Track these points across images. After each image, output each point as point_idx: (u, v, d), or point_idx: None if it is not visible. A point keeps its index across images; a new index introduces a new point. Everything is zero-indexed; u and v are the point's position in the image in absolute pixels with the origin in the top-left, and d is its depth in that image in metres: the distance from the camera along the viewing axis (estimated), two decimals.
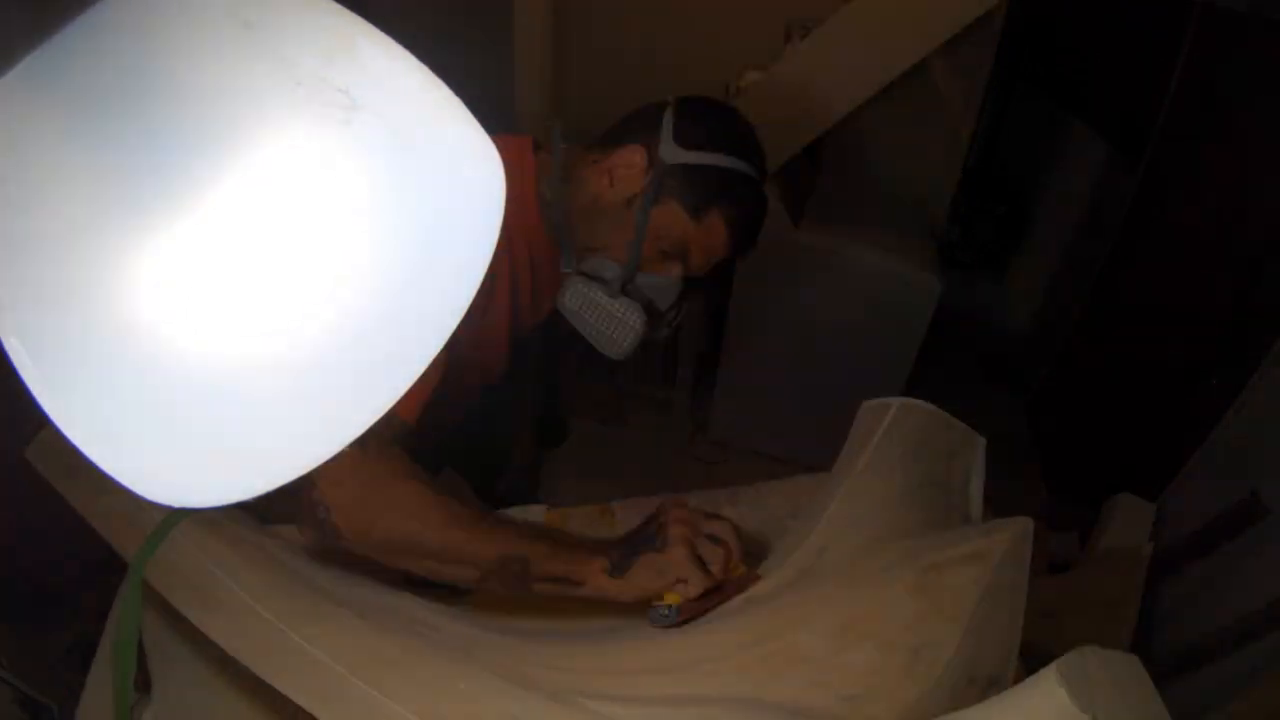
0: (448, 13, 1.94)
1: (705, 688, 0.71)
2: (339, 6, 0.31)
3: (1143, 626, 1.32)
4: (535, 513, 1.00)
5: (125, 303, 0.27)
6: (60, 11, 0.25)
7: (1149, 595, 1.36)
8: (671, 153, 0.91)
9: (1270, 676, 1.10)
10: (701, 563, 0.80)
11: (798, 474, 1.10)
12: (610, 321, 0.93)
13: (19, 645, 0.96)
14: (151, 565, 0.69)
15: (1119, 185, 2.46)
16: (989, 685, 0.67)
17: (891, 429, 0.91)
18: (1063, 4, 3.35)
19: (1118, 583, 1.38)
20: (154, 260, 0.26)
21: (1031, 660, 0.62)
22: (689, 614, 0.80)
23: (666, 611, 0.80)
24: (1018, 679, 0.53)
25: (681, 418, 2.40)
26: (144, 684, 0.83)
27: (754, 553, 0.88)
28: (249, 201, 0.27)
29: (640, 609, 0.82)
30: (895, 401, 0.92)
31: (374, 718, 0.62)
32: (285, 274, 0.28)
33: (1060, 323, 2.71)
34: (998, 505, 0.89)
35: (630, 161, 0.92)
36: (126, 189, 0.26)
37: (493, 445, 1.41)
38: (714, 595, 0.81)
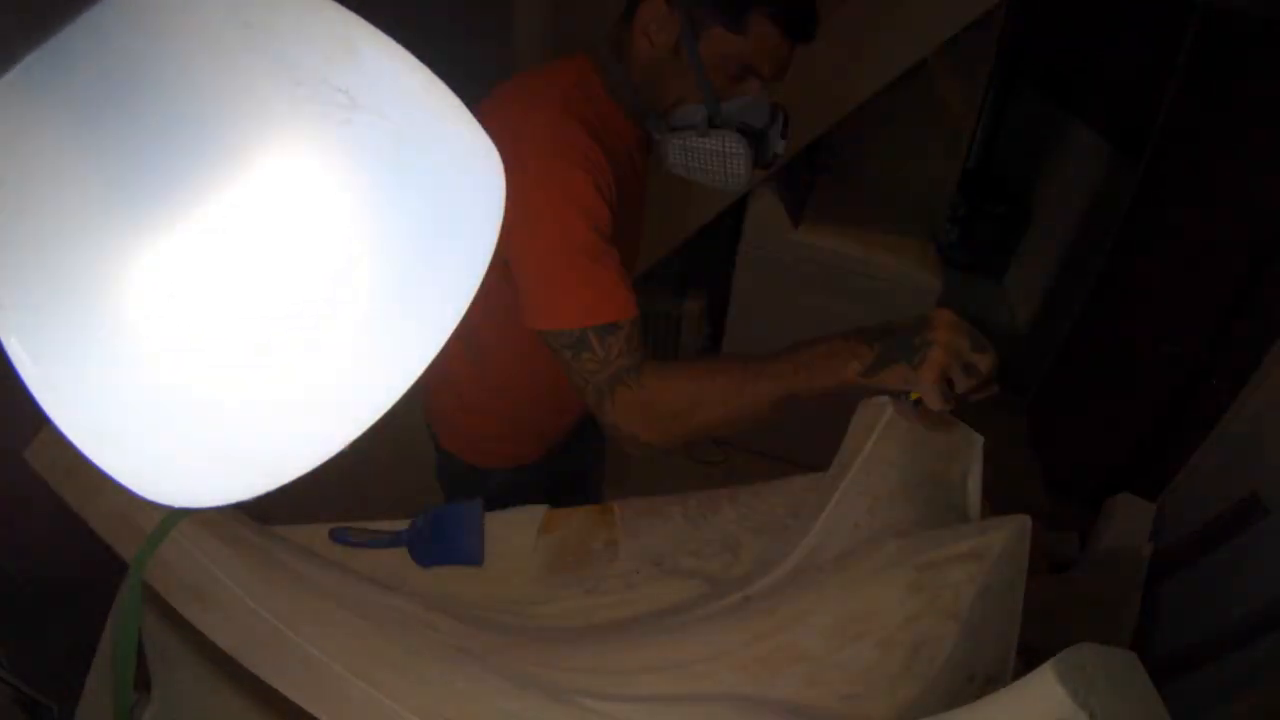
0: (448, 13, 1.94)
1: (704, 686, 0.71)
2: (339, 6, 0.31)
3: (1143, 626, 1.32)
4: (535, 513, 1.00)
5: (125, 302, 0.27)
6: (60, 11, 0.25)
7: (1149, 595, 1.36)
8: None
9: (1270, 676, 1.10)
10: (949, 385, 0.82)
11: (797, 474, 1.10)
12: (715, 158, 0.94)
13: (19, 645, 0.96)
14: (151, 565, 0.69)
15: (1119, 185, 2.46)
16: (987, 683, 0.67)
17: (889, 427, 0.91)
18: (1063, 4, 3.35)
19: (1118, 583, 1.38)
20: (154, 260, 0.26)
21: (1031, 660, 0.62)
22: (924, 418, 0.86)
23: (909, 402, 0.86)
24: (1016, 677, 0.53)
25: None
26: (144, 684, 0.83)
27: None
28: (249, 201, 0.27)
29: None
30: (893, 400, 0.92)
31: (373, 717, 0.62)
32: (285, 274, 0.28)
33: (1060, 323, 2.71)
34: (997, 505, 0.89)
35: (654, 13, 0.90)
36: (126, 189, 0.26)
37: None
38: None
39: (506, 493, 1.05)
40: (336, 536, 0.95)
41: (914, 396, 0.85)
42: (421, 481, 1.62)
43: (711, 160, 0.94)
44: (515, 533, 0.97)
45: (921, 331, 0.83)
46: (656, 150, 0.99)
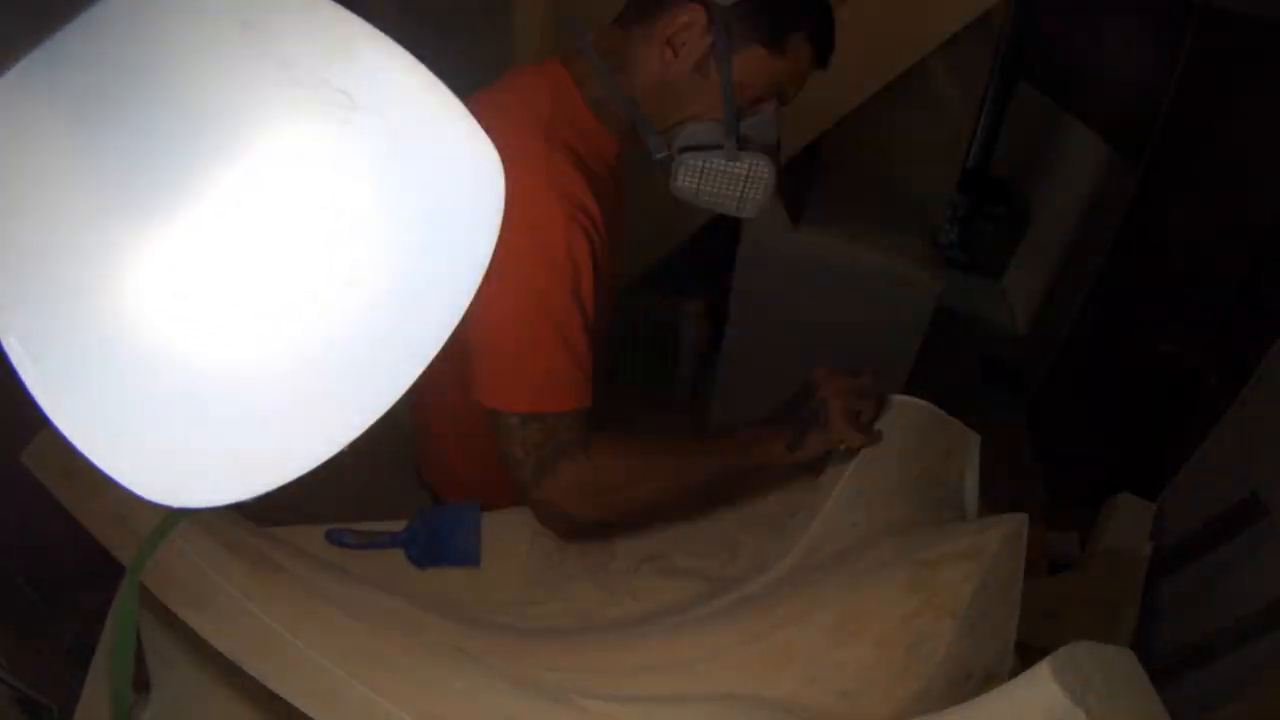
0: (448, 13, 1.94)
1: (702, 685, 0.71)
2: (338, 6, 0.31)
3: (1142, 626, 1.32)
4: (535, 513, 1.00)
5: (125, 303, 0.27)
6: (60, 11, 0.25)
7: (1149, 595, 1.36)
8: None
9: (1270, 676, 1.10)
10: (859, 418, 0.91)
11: (796, 473, 1.10)
12: (736, 182, 0.89)
13: (19, 645, 0.96)
14: (148, 566, 0.69)
15: (1118, 185, 2.46)
16: (985, 681, 0.67)
17: (887, 426, 0.91)
18: (1063, 4, 3.35)
19: (1117, 583, 1.38)
20: (153, 260, 0.26)
21: (1030, 659, 0.62)
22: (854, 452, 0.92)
23: (844, 453, 0.93)
24: (1014, 676, 0.53)
25: (681, 418, 2.40)
26: (143, 685, 0.83)
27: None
28: (248, 202, 0.27)
29: None
30: (892, 399, 0.93)
31: (371, 718, 0.62)
32: (284, 274, 0.28)
33: (1060, 322, 2.71)
34: (996, 505, 0.89)
35: (687, 22, 0.82)
36: (126, 189, 0.26)
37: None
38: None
39: None
40: (333, 538, 0.95)
41: (843, 448, 0.92)
42: (420, 482, 1.61)
43: (731, 184, 0.89)
44: (512, 533, 0.97)
45: (810, 398, 0.92)
46: (659, 169, 0.92)
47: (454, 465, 1.11)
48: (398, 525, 0.98)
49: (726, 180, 0.89)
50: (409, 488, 1.22)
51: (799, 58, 0.86)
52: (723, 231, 2.11)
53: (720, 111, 0.86)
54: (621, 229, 1.00)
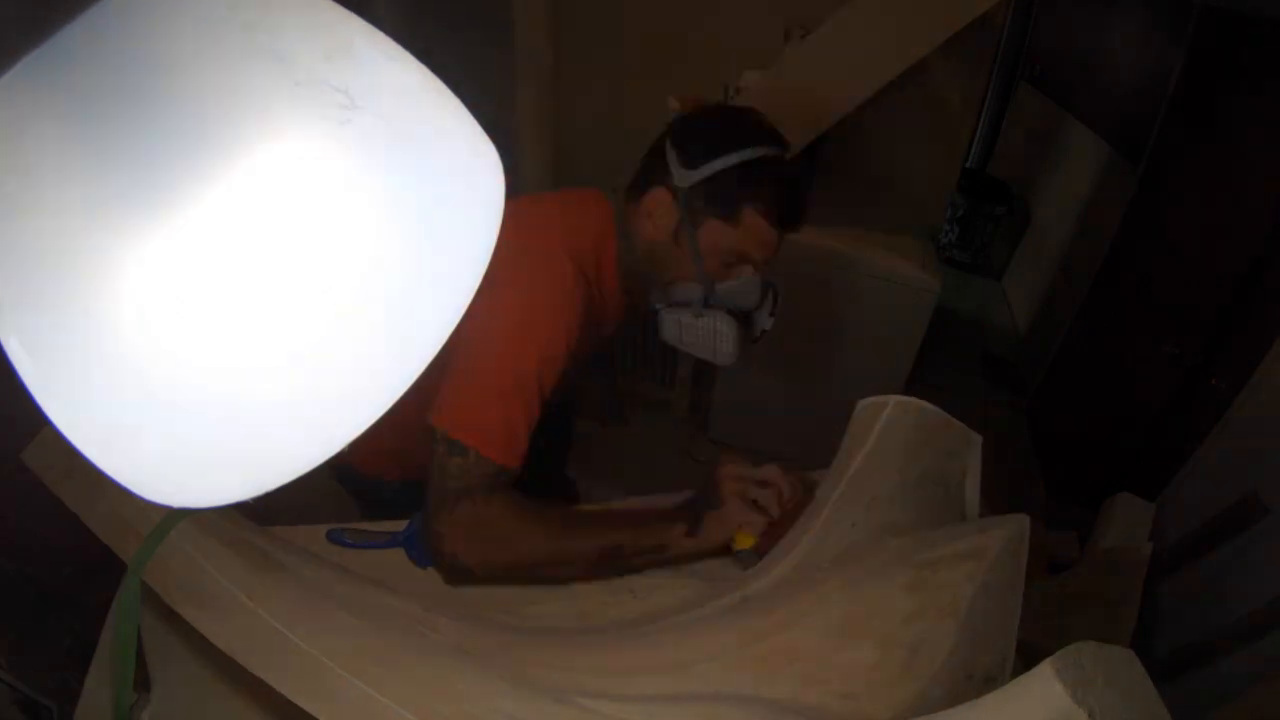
0: (448, 13, 1.94)
1: (703, 686, 0.71)
2: (338, 6, 0.31)
3: (1143, 626, 1.32)
4: None
5: (125, 303, 0.27)
6: (60, 11, 0.25)
7: (1149, 595, 1.36)
8: (684, 178, 0.95)
9: (1270, 676, 1.10)
10: (758, 505, 0.94)
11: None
12: (706, 335, 1.02)
13: (19, 645, 0.96)
14: (149, 566, 0.69)
15: (1118, 185, 2.47)
16: (986, 682, 0.67)
17: (887, 427, 0.91)
18: (1063, 4, 3.35)
19: (1117, 583, 1.38)
20: (153, 260, 0.26)
21: (1031, 660, 0.62)
22: (765, 546, 0.91)
23: (744, 554, 0.92)
24: (1015, 676, 0.53)
25: (681, 418, 2.40)
26: (143, 684, 0.83)
27: (806, 481, 0.99)
28: (248, 202, 0.27)
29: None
30: (891, 399, 0.93)
31: (372, 717, 0.62)
32: (284, 275, 0.28)
33: (1060, 323, 2.71)
34: (997, 505, 0.89)
35: (658, 201, 0.97)
36: (126, 189, 0.26)
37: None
38: (781, 523, 0.92)
39: (399, 497, 1.08)
40: (333, 538, 0.95)
41: (739, 545, 0.93)
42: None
43: (703, 336, 1.02)
44: None
45: (711, 487, 0.97)
46: (654, 318, 1.05)
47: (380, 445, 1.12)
48: (398, 525, 0.98)
49: (697, 333, 1.03)
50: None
51: (754, 228, 0.96)
52: None
53: (696, 276, 0.99)
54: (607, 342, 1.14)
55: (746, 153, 0.94)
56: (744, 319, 1.03)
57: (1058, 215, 3.21)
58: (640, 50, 2.14)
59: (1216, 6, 1.92)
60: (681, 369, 2.34)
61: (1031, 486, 2.36)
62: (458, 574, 0.90)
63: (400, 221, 0.30)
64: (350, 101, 0.29)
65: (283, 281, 0.28)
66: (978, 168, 3.93)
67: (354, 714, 0.62)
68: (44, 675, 0.95)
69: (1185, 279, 2.00)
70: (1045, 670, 0.48)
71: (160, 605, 0.68)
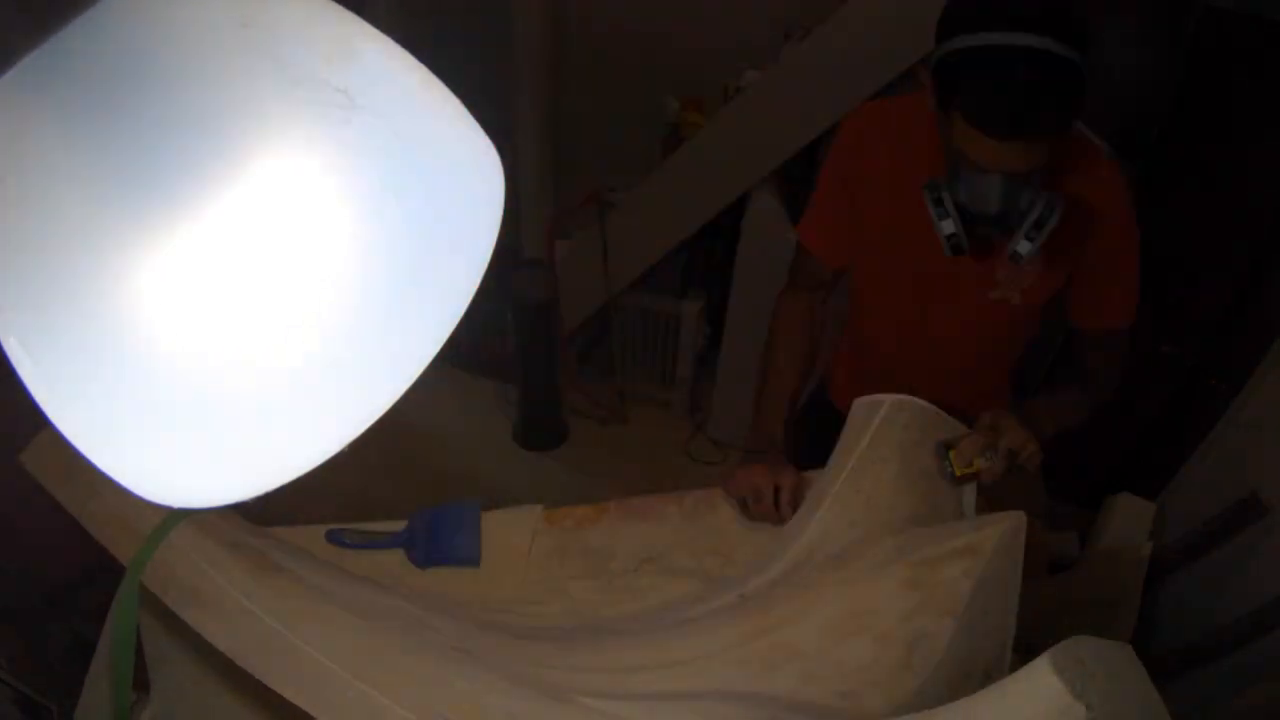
0: (447, 13, 1.94)
1: (702, 683, 0.71)
2: (338, 7, 0.31)
3: (1142, 626, 1.32)
4: (534, 513, 1.00)
5: (125, 304, 0.27)
6: (60, 11, 0.25)
7: (1148, 594, 1.36)
8: (933, 57, 0.90)
9: (1270, 676, 1.10)
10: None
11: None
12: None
13: (19, 645, 0.96)
14: (149, 567, 0.69)
15: None
16: (984, 677, 0.67)
17: (884, 426, 0.91)
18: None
19: (1117, 582, 1.38)
20: (153, 261, 0.26)
21: (1030, 659, 0.62)
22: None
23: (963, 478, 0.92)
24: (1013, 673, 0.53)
25: (681, 418, 2.40)
26: (142, 684, 0.83)
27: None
28: (248, 202, 0.27)
29: None
30: (887, 398, 0.93)
31: (371, 717, 0.62)
32: (285, 274, 0.28)
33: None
34: (996, 504, 0.89)
35: (927, 75, 0.92)
36: (125, 189, 0.26)
37: None
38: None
39: None
40: (333, 538, 0.95)
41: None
42: (419, 482, 1.62)
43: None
44: (512, 533, 0.97)
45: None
46: None
47: None
48: (398, 525, 0.98)
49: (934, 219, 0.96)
50: (409, 488, 1.23)
51: (962, 131, 0.88)
52: (723, 231, 2.10)
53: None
54: None
55: (966, 39, 0.85)
56: (988, 225, 0.92)
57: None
58: (640, 50, 2.14)
59: (1217, 6, 1.92)
60: (681, 369, 2.33)
61: (1031, 486, 2.36)
62: None
63: (400, 221, 0.30)
64: (350, 101, 0.29)
65: (282, 281, 0.28)
66: None
67: (354, 714, 0.62)
68: (44, 675, 0.94)
69: (1185, 279, 2.00)
70: (1043, 664, 0.48)
71: (159, 606, 0.68)
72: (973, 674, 0.68)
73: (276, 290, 0.28)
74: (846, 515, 0.85)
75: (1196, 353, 1.86)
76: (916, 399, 0.93)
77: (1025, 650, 0.67)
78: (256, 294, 0.28)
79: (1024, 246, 0.90)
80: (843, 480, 0.88)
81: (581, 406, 2.30)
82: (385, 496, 1.32)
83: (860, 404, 0.94)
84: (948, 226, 0.92)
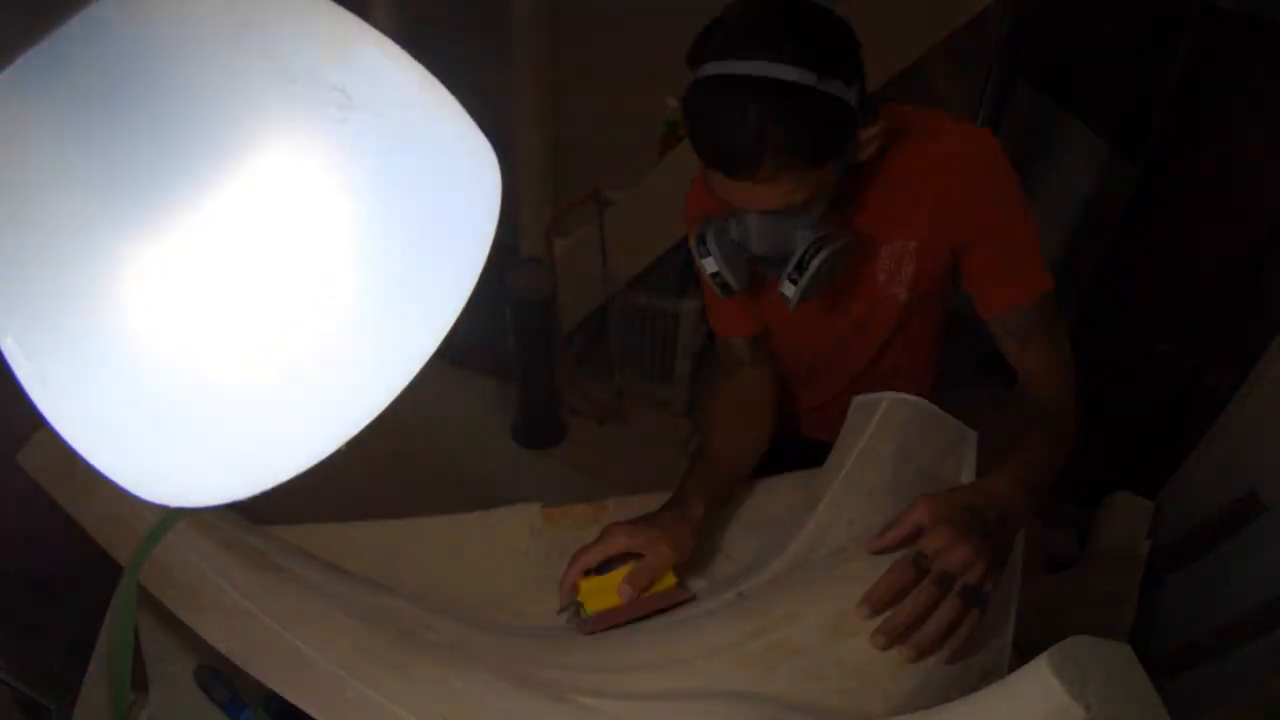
0: (447, 13, 1.94)
1: (700, 683, 0.71)
2: (337, 6, 0.31)
3: (1141, 625, 1.32)
4: (532, 512, 1.00)
5: (122, 303, 0.27)
6: (57, 10, 0.25)
7: (1147, 594, 1.37)
8: None
9: (1270, 676, 1.10)
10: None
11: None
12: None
13: (19, 645, 0.96)
14: (146, 566, 0.69)
15: (1117, 185, 2.46)
16: (983, 676, 0.67)
17: (882, 425, 0.91)
18: (1062, 4, 3.34)
19: (1116, 581, 1.38)
20: (151, 260, 0.26)
21: (1029, 658, 0.62)
22: (599, 625, 0.84)
23: (584, 617, 0.84)
24: (1012, 672, 0.53)
25: (680, 416, 2.40)
26: (142, 685, 0.83)
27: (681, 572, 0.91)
28: (245, 201, 0.27)
29: None
30: (886, 397, 0.92)
31: (369, 717, 0.62)
32: (282, 273, 0.28)
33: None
34: None
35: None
36: (122, 188, 0.26)
37: None
38: (629, 608, 0.85)
39: None
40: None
41: (587, 606, 0.85)
42: (418, 481, 1.62)
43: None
44: (510, 532, 0.97)
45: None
46: None
47: None
48: (398, 524, 0.98)
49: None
50: (407, 485, 1.23)
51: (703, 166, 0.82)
52: None
53: None
54: None
55: (705, 68, 0.78)
56: (760, 265, 0.89)
57: (1056, 215, 3.21)
58: (640, 50, 2.13)
59: (1216, 6, 1.92)
60: (681, 367, 2.33)
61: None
62: None
63: (397, 221, 0.30)
64: (348, 100, 0.29)
65: (280, 281, 0.28)
66: None
67: (351, 713, 0.62)
68: (44, 675, 0.94)
69: (1185, 279, 2.00)
70: (1042, 664, 0.48)
71: (158, 606, 0.68)
72: (971, 672, 0.68)
73: (273, 289, 0.28)
74: (845, 514, 0.85)
75: (1196, 353, 1.86)
76: (915, 397, 0.93)
77: (1023, 649, 0.67)
78: (253, 292, 0.28)
79: (787, 289, 0.85)
80: (842, 478, 0.88)
81: (580, 405, 2.30)
82: (383, 494, 1.32)
83: (859, 402, 0.95)
84: (709, 265, 0.88)
